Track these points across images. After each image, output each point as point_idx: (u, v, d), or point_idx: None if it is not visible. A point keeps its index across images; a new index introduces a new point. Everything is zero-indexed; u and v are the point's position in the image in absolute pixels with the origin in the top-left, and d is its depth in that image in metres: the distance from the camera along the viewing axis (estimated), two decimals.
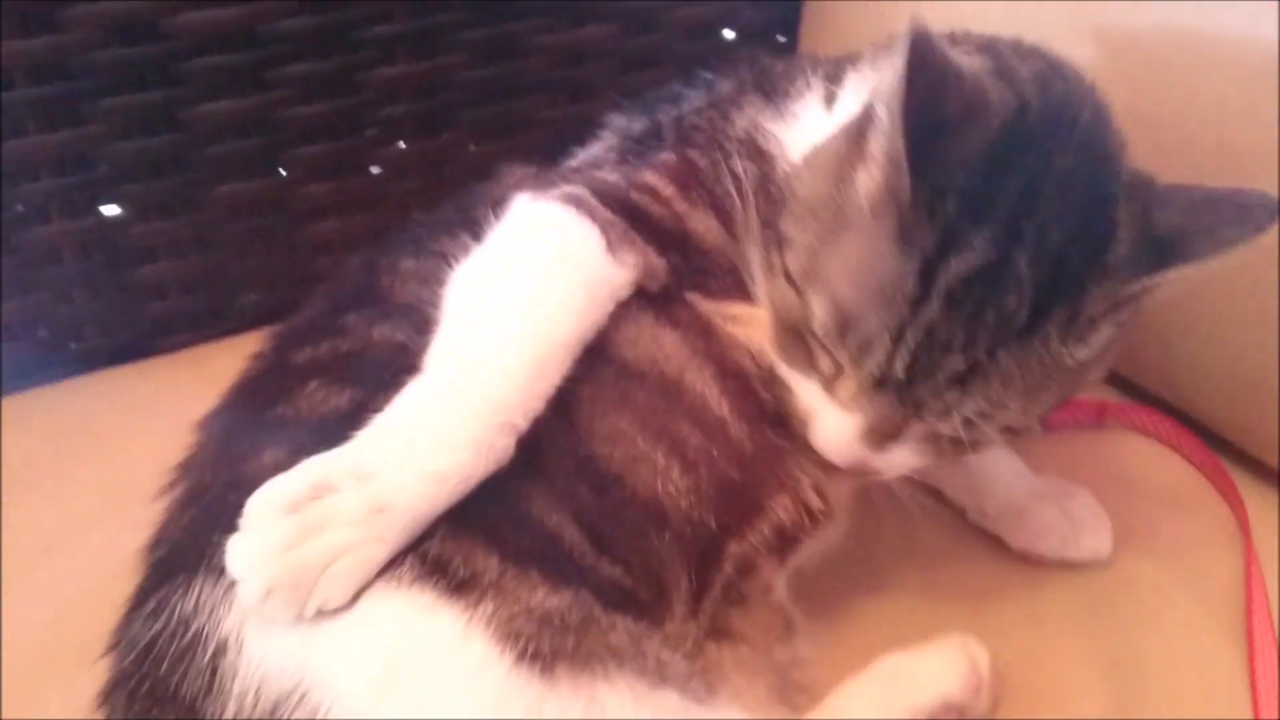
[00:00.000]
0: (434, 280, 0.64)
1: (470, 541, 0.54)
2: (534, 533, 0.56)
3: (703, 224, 0.66)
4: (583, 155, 0.77)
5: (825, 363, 0.59)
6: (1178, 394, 0.87)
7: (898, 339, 0.55)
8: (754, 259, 0.64)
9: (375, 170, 0.98)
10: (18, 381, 0.90)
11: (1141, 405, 0.88)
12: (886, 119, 0.54)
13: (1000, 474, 0.77)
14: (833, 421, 0.60)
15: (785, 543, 0.65)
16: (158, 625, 0.54)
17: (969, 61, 0.57)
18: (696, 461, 0.61)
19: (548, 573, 0.54)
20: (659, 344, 0.63)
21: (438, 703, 0.49)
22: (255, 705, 0.50)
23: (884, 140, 0.54)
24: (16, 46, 0.79)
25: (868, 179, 0.56)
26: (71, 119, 0.83)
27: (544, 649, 0.51)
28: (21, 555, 0.74)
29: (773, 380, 0.64)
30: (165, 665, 0.53)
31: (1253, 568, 0.73)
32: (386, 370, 0.59)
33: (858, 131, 0.58)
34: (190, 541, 0.57)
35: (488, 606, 0.52)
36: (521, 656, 0.51)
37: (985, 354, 0.54)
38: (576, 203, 0.63)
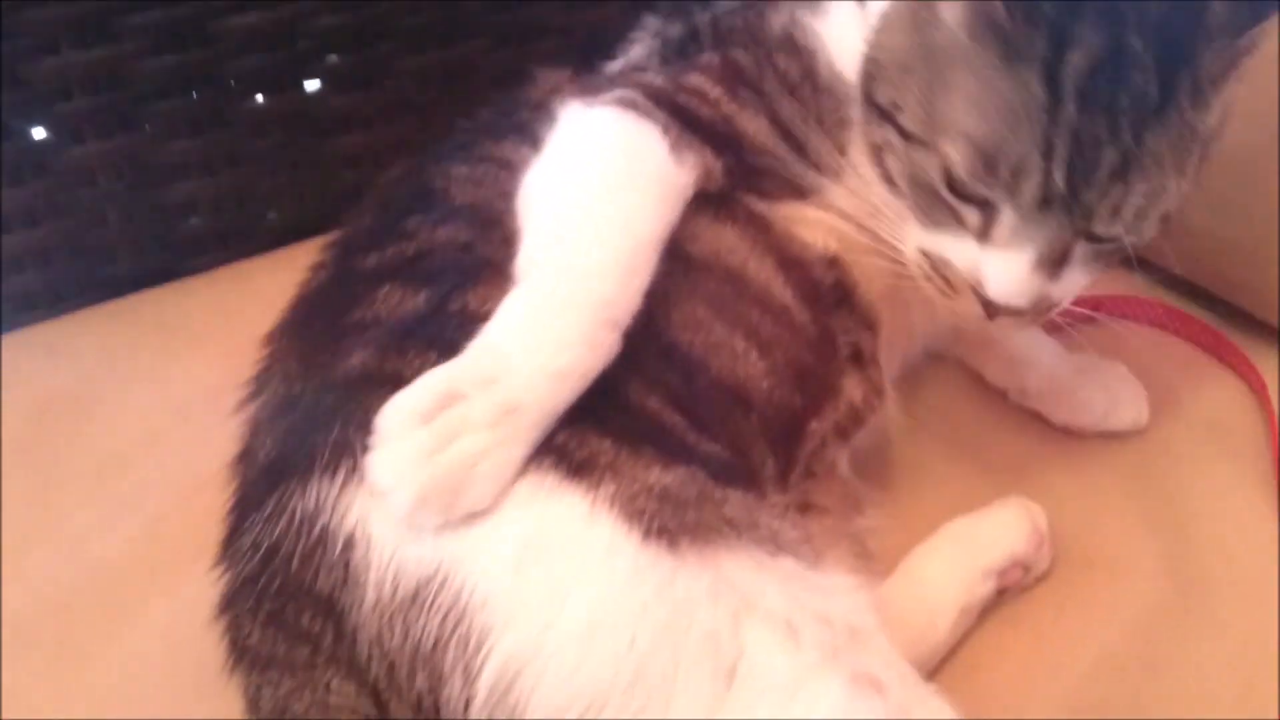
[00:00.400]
0: (489, 184, 0.64)
1: (581, 427, 0.54)
2: (636, 415, 0.57)
3: (751, 124, 0.67)
4: (623, 59, 0.77)
5: (973, 216, 0.60)
6: (1183, 262, 0.87)
7: (1048, 152, 0.55)
8: (826, 153, 0.65)
9: (397, 82, 0.97)
10: (53, 309, 0.89)
11: (1134, 297, 0.89)
12: None
13: (1039, 354, 0.81)
14: (1002, 266, 0.60)
15: (853, 421, 0.68)
16: (280, 526, 0.55)
17: None
18: (771, 345, 0.63)
19: (659, 451, 0.55)
20: (720, 239, 0.64)
21: (574, 582, 0.50)
22: (395, 592, 0.51)
23: None
24: None
25: (953, 10, 0.58)
26: (103, 36, 0.81)
27: (668, 525, 0.52)
28: (89, 475, 0.75)
29: (833, 263, 0.66)
30: (295, 562, 0.54)
31: (1274, 426, 0.78)
32: (456, 269, 0.60)
33: None
34: (296, 446, 0.57)
35: (609, 487, 0.52)
36: (648, 534, 0.51)
37: (1134, 140, 0.56)
38: (632, 106, 0.64)
